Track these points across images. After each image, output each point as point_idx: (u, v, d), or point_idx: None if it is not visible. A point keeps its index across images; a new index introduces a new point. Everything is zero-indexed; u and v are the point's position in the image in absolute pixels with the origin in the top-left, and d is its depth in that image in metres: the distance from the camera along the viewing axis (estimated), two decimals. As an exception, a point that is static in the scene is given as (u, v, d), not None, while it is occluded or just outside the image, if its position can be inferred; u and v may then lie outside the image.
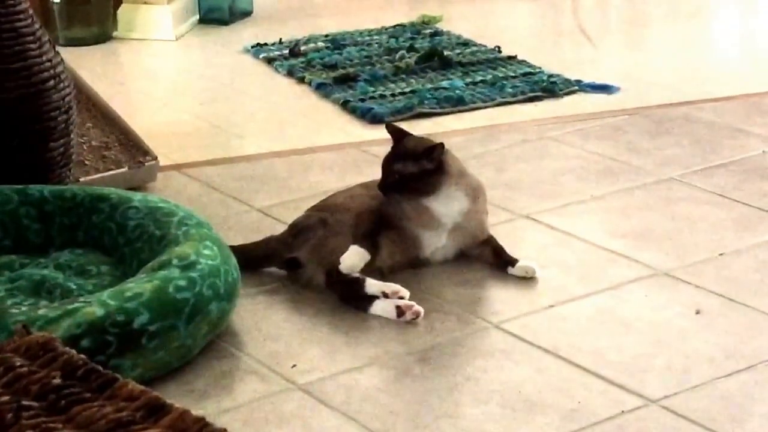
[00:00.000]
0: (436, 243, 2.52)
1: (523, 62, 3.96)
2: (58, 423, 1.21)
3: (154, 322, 2.09)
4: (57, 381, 1.27)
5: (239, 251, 2.41)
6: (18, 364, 1.31)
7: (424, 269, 2.54)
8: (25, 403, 1.24)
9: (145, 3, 4.34)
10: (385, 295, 2.36)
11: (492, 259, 2.54)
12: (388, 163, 2.50)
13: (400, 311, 2.33)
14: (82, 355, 1.32)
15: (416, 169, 2.46)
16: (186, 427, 1.18)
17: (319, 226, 2.47)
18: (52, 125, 2.66)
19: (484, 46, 4.16)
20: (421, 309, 2.33)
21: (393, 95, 3.64)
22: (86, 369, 1.29)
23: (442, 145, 2.49)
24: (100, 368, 1.30)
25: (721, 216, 2.78)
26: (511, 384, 2.11)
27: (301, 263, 2.46)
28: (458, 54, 4.05)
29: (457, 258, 2.58)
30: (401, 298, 2.35)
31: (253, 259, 2.49)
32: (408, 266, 2.51)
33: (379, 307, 2.35)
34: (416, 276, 2.50)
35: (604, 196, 2.91)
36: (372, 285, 2.37)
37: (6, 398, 1.25)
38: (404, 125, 3.41)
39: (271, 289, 2.47)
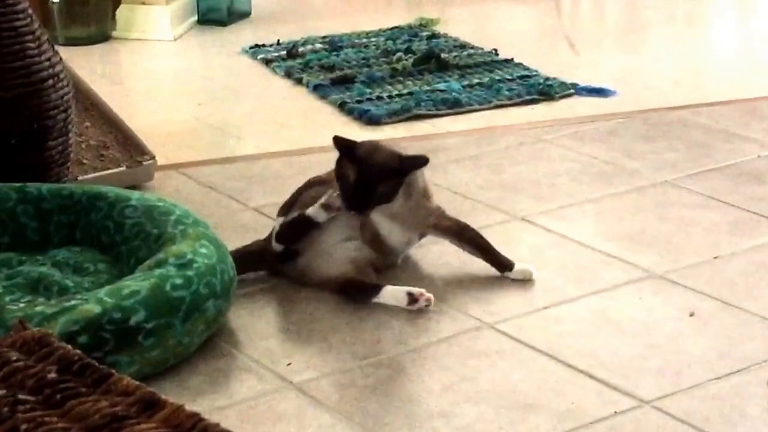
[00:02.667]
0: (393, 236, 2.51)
1: (519, 65, 3.97)
2: (54, 417, 1.21)
3: (150, 319, 2.10)
4: (53, 375, 1.28)
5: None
6: (14, 358, 1.32)
7: (419, 269, 2.55)
8: (21, 397, 1.25)
9: (144, 3, 4.35)
10: (411, 296, 2.37)
11: (475, 253, 2.54)
12: (362, 183, 2.39)
13: (412, 298, 2.36)
14: (78, 350, 1.33)
15: (398, 184, 2.42)
16: (180, 422, 1.19)
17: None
18: (50, 124, 2.67)
19: (481, 48, 4.17)
20: (431, 296, 2.37)
21: (390, 97, 3.65)
22: (82, 364, 1.30)
23: (425, 158, 2.43)
24: (96, 363, 1.30)
25: (715, 219, 2.79)
26: (505, 384, 2.12)
27: (298, 251, 2.46)
28: (455, 56, 4.06)
29: (452, 258, 2.59)
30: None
31: (245, 262, 2.48)
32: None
33: (388, 293, 2.37)
34: (411, 275, 2.51)
35: (600, 199, 2.92)
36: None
37: (2, 392, 1.26)
38: (401, 127, 3.45)
39: (268, 287, 2.48)
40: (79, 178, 2.86)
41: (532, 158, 3.19)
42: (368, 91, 3.71)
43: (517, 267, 2.51)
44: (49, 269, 2.35)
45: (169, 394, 1.84)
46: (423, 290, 2.37)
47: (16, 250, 2.48)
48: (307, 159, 3.22)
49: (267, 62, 4.06)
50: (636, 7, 4.85)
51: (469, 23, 4.55)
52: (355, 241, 2.47)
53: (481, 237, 2.53)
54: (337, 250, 2.47)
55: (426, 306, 2.36)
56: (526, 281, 2.49)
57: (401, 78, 3.86)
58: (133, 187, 2.86)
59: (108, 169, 2.95)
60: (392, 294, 2.37)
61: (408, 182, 2.46)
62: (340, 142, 2.46)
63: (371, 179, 2.40)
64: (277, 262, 2.50)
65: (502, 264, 2.52)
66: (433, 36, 4.32)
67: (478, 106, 3.59)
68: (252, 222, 2.80)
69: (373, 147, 2.48)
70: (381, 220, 2.47)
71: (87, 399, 1.24)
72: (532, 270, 2.50)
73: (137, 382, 1.27)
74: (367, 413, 2.03)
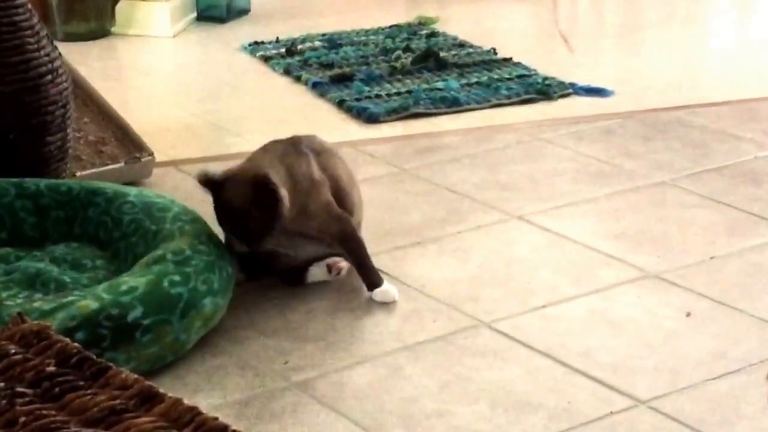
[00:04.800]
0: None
1: (518, 64, 3.97)
2: (52, 410, 1.22)
3: (148, 316, 2.10)
4: (51, 369, 1.29)
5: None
6: (13, 351, 1.32)
7: (414, 266, 2.55)
8: (19, 390, 1.25)
9: None
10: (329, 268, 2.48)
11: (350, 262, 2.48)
12: (233, 223, 2.33)
13: (328, 268, 2.48)
14: (76, 344, 1.33)
15: (259, 214, 2.31)
16: (178, 415, 1.19)
17: None
18: (49, 119, 2.67)
19: (480, 47, 4.17)
20: (343, 266, 2.47)
21: (389, 95, 3.65)
22: (80, 357, 1.30)
23: (266, 180, 2.30)
24: (94, 357, 1.31)
25: (712, 220, 2.80)
26: (501, 383, 2.12)
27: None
28: (454, 55, 4.06)
29: (449, 257, 2.60)
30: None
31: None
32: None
33: (313, 274, 2.48)
34: (408, 274, 2.52)
35: (597, 199, 2.92)
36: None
37: (1, 385, 1.26)
38: (400, 125, 3.45)
39: (265, 285, 2.48)
40: (77, 173, 2.86)
41: (529, 157, 3.19)
42: (367, 89, 3.71)
43: (381, 287, 2.42)
44: (47, 265, 2.35)
45: (166, 391, 1.85)
46: (337, 261, 2.47)
47: (14, 245, 2.48)
48: (306, 156, 3.21)
49: (266, 59, 4.06)
50: (634, 7, 4.85)
51: (468, 22, 4.55)
52: None
53: (358, 252, 2.43)
54: None
55: (337, 274, 2.47)
56: (390, 303, 2.41)
57: (400, 76, 3.85)
58: (132, 184, 2.86)
59: (106, 165, 2.95)
60: (315, 273, 2.47)
61: (282, 212, 2.35)
62: (203, 182, 2.38)
63: (235, 216, 2.36)
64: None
65: (359, 270, 2.44)
66: (432, 34, 4.32)
67: (476, 105, 3.59)
68: (250, 219, 2.79)
69: (234, 179, 2.36)
70: None
71: (85, 392, 1.25)
72: (394, 293, 2.42)
73: (135, 376, 1.27)
74: (364, 412, 2.03)
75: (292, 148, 2.47)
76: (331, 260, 2.47)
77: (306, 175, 2.41)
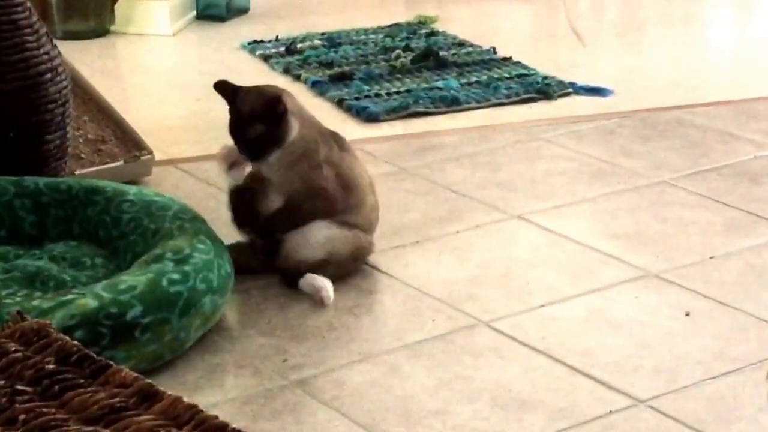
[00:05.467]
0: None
1: (517, 64, 3.98)
2: (52, 408, 1.22)
3: (147, 314, 2.10)
4: (51, 367, 1.29)
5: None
6: (12, 349, 1.32)
7: (413, 265, 2.55)
8: (19, 387, 1.25)
9: (143, -2, 4.35)
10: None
11: None
12: (237, 130, 2.43)
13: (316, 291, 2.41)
14: (76, 342, 1.33)
15: (264, 128, 2.41)
16: (178, 414, 1.19)
17: None
18: (48, 118, 2.67)
19: (480, 47, 4.17)
20: (326, 297, 2.38)
21: (388, 94, 3.65)
22: (80, 355, 1.30)
23: (278, 98, 2.44)
24: (94, 355, 1.31)
25: (711, 219, 2.80)
26: (500, 382, 2.12)
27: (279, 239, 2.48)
28: (453, 54, 4.06)
29: (448, 255, 2.60)
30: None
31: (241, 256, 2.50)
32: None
33: (305, 283, 2.43)
34: (407, 273, 2.52)
35: (596, 198, 2.93)
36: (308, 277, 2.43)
37: (0, 383, 1.26)
38: (399, 124, 3.45)
39: (264, 283, 2.49)
40: (76, 172, 2.86)
41: (529, 157, 3.19)
42: (366, 88, 3.71)
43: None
44: (46, 263, 2.35)
45: (165, 390, 1.85)
46: (324, 289, 2.39)
47: (13, 243, 2.48)
48: (305, 155, 3.21)
49: (265, 58, 4.06)
50: (634, 7, 4.85)
51: (468, 21, 4.55)
52: None
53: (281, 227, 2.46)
54: None
55: (320, 303, 2.39)
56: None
57: (399, 75, 3.86)
58: (131, 182, 2.86)
59: (106, 163, 2.95)
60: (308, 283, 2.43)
61: (288, 140, 2.43)
62: (221, 87, 2.50)
63: (239, 124, 2.43)
64: (264, 256, 2.50)
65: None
66: (432, 33, 4.32)
67: (475, 104, 3.59)
68: (249, 218, 2.79)
69: (250, 93, 2.47)
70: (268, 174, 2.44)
71: (85, 390, 1.25)
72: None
73: (135, 374, 1.27)
74: (363, 410, 2.04)
75: (322, 129, 2.54)
76: (318, 284, 2.41)
77: (316, 148, 2.46)
